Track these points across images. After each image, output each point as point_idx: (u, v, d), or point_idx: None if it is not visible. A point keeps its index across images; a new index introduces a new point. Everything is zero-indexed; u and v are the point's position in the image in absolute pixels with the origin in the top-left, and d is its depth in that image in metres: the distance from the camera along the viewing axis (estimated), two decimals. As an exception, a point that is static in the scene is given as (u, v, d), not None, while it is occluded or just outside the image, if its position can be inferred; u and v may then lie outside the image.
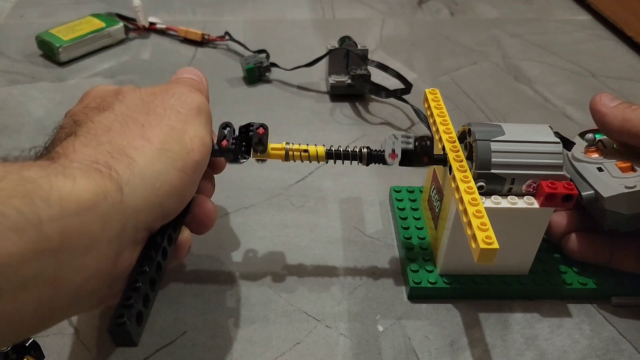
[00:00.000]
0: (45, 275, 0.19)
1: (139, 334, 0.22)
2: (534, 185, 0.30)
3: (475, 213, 0.27)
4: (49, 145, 0.25)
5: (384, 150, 0.31)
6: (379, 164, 0.31)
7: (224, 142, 0.29)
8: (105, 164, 0.22)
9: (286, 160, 0.31)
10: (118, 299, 0.23)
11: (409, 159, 0.30)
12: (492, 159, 0.29)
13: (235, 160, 0.30)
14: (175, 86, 0.28)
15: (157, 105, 0.26)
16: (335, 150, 0.31)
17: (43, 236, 0.18)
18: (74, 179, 0.20)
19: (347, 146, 0.31)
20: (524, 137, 0.30)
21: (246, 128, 0.30)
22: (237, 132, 0.30)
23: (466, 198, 0.28)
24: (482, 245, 0.25)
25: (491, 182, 0.30)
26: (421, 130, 0.48)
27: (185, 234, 0.27)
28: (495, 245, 0.25)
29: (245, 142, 0.30)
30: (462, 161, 0.30)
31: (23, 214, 0.18)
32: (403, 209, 0.38)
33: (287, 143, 0.31)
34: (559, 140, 0.30)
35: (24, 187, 0.19)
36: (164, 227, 0.25)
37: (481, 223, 0.26)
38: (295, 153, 0.30)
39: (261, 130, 0.30)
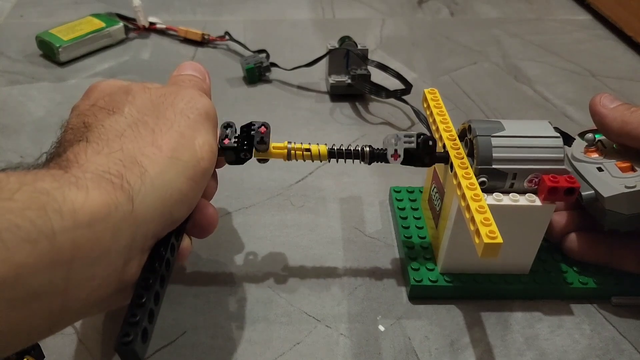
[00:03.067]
0: (56, 284, 0.19)
1: (145, 351, 0.22)
2: (536, 180, 0.30)
3: (478, 208, 0.27)
4: (58, 146, 0.25)
5: (386, 149, 0.31)
6: (382, 162, 0.31)
7: (226, 141, 0.29)
8: (117, 173, 0.22)
9: (288, 160, 0.31)
10: (124, 302, 0.23)
11: (411, 158, 0.30)
12: (493, 154, 0.29)
13: (237, 160, 0.30)
14: (184, 89, 0.28)
15: (166, 108, 0.26)
16: (337, 149, 0.31)
17: (55, 247, 0.19)
18: (87, 190, 0.20)
19: (349, 145, 0.31)
20: (524, 133, 0.30)
21: (248, 127, 0.30)
22: (238, 132, 0.30)
23: (468, 194, 0.28)
24: (486, 240, 0.25)
25: (493, 177, 0.30)
26: (421, 130, 0.48)
27: (186, 241, 0.27)
28: (499, 240, 0.25)
29: (247, 141, 0.30)
30: (463, 158, 0.30)
31: (37, 225, 0.18)
32: (403, 209, 0.38)
33: (289, 142, 0.31)
34: (559, 135, 0.30)
35: (38, 198, 0.19)
36: (168, 235, 0.25)
37: (484, 218, 0.26)
38: (297, 152, 0.30)
39: (263, 129, 0.30)
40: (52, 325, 0.20)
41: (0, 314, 0.18)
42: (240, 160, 0.30)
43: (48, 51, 0.56)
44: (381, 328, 0.31)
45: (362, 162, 0.31)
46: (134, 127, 0.24)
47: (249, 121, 0.30)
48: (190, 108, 0.26)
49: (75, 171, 0.21)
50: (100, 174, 0.21)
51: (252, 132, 0.30)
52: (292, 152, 0.30)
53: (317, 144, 0.31)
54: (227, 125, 0.30)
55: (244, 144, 0.30)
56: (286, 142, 0.31)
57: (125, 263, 0.22)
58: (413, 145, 0.30)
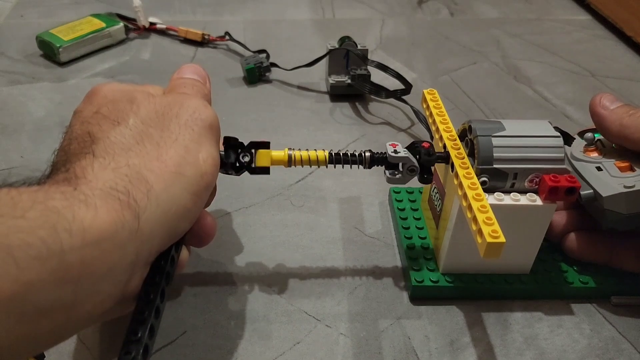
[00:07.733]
0: (64, 301, 0.19)
1: None
2: (537, 180, 0.30)
3: (480, 208, 0.27)
4: (62, 156, 0.25)
5: (385, 153, 0.31)
6: (381, 166, 0.31)
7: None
8: (124, 190, 0.22)
9: (289, 167, 0.31)
10: (125, 312, 0.24)
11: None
12: (494, 154, 0.30)
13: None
14: (189, 98, 0.28)
15: (171, 120, 0.26)
16: (337, 154, 0.31)
17: (64, 265, 0.19)
18: (95, 208, 0.20)
19: (348, 150, 0.31)
20: (525, 132, 0.30)
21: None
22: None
23: (470, 194, 0.28)
24: (489, 240, 0.25)
25: (494, 177, 0.30)
26: (421, 130, 0.48)
27: (184, 251, 0.28)
28: (502, 239, 0.25)
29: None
30: (463, 158, 0.30)
31: (47, 244, 0.18)
32: (403, 210, 0.38)
33: (290, 149, 0.31)
34: (559, 134, 0.30)
35: (49, 217, 0.19)
36: (169, 247, 0.25)
37: (486, 218, 0.26)
38: (297, 158, 0.31)
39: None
40: (56, 338, 0.21)
41: (9, 330, 0.18)
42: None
43: (48, 51, 0.56)
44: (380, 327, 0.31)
45: (362, 167, 0.31)
46: (139, 139, 0.25)
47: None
48: (194, 120, 0.26)
49: (84, 188, 0.21)
50: (107, 190, 0.22)
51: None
52: (293, 158, 0.31)
53: (315, 150, 0.31)
54: (229, 145, 0.30)
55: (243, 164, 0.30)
56: (286, 150, 0.31)
57: (129, 278, 0.23)
58: (416, 173, 0.31)
